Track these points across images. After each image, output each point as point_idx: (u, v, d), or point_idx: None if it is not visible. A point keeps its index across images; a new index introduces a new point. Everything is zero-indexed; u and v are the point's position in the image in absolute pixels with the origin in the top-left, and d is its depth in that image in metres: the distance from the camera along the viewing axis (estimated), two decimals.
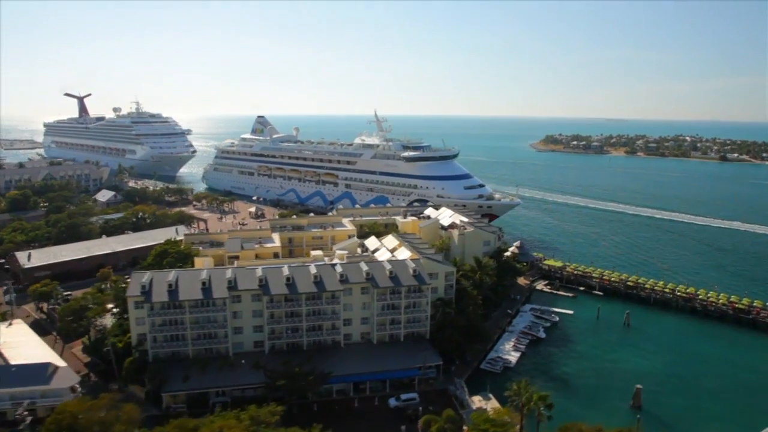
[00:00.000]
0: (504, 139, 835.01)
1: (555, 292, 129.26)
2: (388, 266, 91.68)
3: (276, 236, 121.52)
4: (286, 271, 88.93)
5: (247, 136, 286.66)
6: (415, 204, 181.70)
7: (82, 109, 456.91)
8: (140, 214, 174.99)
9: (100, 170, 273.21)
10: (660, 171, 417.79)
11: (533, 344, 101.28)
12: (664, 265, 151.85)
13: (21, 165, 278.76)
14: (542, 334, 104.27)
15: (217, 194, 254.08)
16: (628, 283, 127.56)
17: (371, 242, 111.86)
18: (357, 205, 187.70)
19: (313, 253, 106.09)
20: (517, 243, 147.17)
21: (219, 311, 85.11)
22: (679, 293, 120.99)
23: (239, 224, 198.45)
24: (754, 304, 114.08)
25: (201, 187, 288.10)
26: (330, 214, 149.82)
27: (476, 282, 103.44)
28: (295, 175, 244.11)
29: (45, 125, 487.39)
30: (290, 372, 76.40)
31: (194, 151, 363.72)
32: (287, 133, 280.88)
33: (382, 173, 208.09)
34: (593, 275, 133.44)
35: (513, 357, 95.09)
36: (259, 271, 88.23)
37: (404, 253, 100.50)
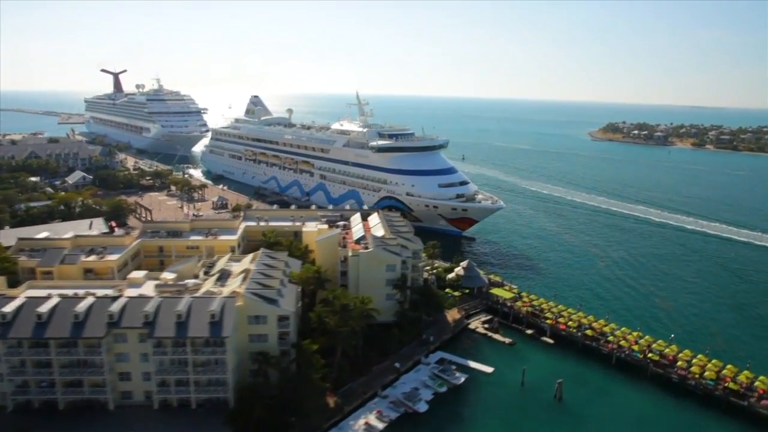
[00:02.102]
0: (562, 126, 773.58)
1: (490, 334, 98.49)
2: (179, 306, 66.71)
3: (137, 244, 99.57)
4: (44, 305, 66.37)
5: (241, 116, 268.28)
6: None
7: (117, 85, 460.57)
8: (72, 202, 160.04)
9: (92, 149, 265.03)
10: (723, 167, 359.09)
11: (402, 423, 72.60)
12: (663, 302, 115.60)
13: (13, 142, 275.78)
14: (422, 407, 75.00)
15: (192, 179, 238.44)
16: (587, 332, 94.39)
17: (221, 263, 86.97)
18: (330, 205, 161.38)
19: (133, 275, 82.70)
20: (464, 263, 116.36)
21: None
22: (651, 356, 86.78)
23: (193, 215, 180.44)
24: (756, 383, 78.33)
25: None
26: (225, 217, 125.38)
27: (333, 329, 75.89)
28: (277, 162, 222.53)
29: (85, 101, 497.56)
30: None
31: (207, 131, 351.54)
32: (283, 115, 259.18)
33: (354, 164, 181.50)
34: (547, 315, 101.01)
35: None
36: (8, 305, 66.31)
37: (234, 285, 75.02)
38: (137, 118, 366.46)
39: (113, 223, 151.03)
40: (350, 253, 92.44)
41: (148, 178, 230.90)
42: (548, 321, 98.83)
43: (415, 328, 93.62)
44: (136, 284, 79.06)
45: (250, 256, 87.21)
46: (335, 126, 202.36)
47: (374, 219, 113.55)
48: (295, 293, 78.09)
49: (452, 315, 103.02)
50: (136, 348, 65.72)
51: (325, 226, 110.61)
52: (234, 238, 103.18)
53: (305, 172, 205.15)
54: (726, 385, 78.25)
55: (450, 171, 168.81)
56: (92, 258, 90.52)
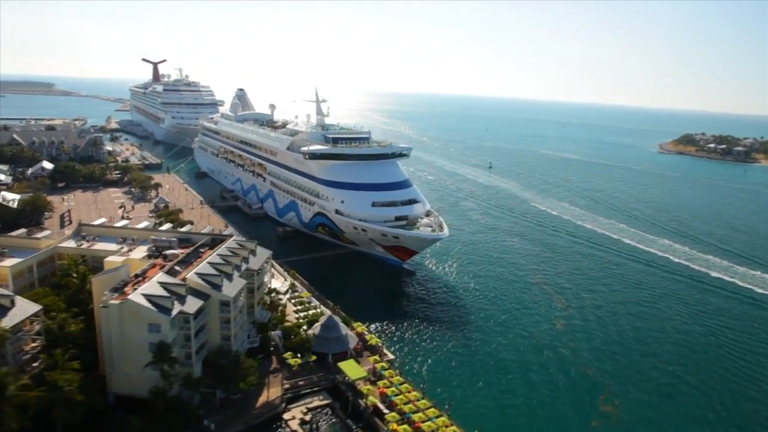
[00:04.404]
0: (633, 135, 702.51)
1: None
2: None
3: None
4: None
5: (227, 111, 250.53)
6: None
7: (155, 74, 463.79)
8: None
9: (79, 138, 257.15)
10: None
11: None
12: (604, 405, 79.28)
13: (6, 128, 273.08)
14: None
15: (155, 176, 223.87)
16: None
17: None
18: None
19: None
20: (323, 318, 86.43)
21: None
22: None
23: (122, 216, 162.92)
24: None
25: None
26: (50, 230, 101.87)
27: None
28: (242, 163, 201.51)
29: (130, 89, 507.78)
30: None
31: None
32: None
33: (295, 171, 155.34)
34: (393, 414, 69.14)
35: None
36: None
37: None
38: (156, 108, 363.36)
39: None
40: (101, 305, 66.62)
41: (117, 172, 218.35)
42: (391, 425, 67.27)
43: (188, 411, 66.20)
44: None
45: None
46: (290, 125, 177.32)
47: (214, 255, 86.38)
48: None
49: (271, 394, 74.21)
50: None
51: (144, 254, 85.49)
52: (7, 264, 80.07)
53: (260, 176, 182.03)
54: None
55: (396, 186, 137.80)
56: None
